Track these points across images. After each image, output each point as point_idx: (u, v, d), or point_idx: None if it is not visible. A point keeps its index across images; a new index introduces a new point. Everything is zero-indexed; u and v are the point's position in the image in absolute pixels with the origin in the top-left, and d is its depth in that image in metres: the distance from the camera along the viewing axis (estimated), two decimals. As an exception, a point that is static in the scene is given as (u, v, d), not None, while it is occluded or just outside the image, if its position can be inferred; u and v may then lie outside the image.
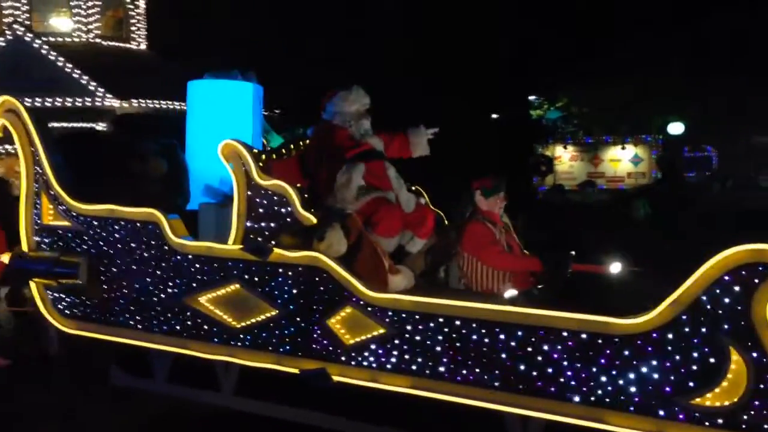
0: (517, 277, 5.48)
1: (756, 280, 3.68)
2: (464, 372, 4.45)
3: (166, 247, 5.42)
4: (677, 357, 3.90)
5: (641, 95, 32.28)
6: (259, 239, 5.20)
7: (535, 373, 4.26)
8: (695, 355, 3.87)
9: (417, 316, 4.58)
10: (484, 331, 4.39)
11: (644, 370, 3.99)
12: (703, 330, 3.84)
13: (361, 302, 4.72)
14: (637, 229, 10.16)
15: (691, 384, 3.87)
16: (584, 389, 4.13)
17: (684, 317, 3.87)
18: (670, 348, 3.92)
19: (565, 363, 4.18)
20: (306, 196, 5.35)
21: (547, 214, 11.45)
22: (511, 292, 4.66)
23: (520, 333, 4.29)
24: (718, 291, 3.79)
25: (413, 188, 6.30)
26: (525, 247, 5.87)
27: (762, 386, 3.70)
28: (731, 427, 3.77)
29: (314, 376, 4.81)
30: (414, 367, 4.59)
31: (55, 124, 13.77)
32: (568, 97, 36.14)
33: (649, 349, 3.96)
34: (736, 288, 3.73)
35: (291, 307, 4.96)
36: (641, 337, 3.98)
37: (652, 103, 32.49)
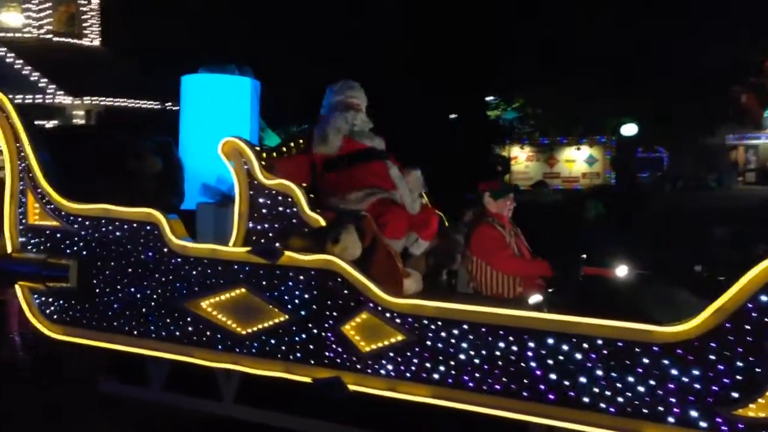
0: (527, 281, 5.28)
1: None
2: (490, 381, 4.23)
3: (166, 249, 5.11)
4: (720, 366, 3.73)
5: (595, 97, 32.55)
6: (268, 241, 4.88)
7: (567, 383, 4.05)
8: (739, 364, 3.71)
9: (440, 323, 4.35)
10: (512, 338, 4.17)
11: (685, 379, 3.80)
12: (748, 339, 3.66)
13: (379, 308, 4.48)
14: (590, 229, 10.15)
15: (734, 394, 3.71)
16: (620, 399, 3.94)
17: (728, 325, 3.70)
18: (712, 357, 3.74)
19: (600, 372, 3.97)
20: (311, 196, 5.08)
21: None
22: (536, 298, 4.47)
23: (551, 340, 4.08)
24: (764, 298, 3.62)
25: None
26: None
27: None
28: (776, 438, 3.61)
29: (328, 384, 4.55)
30: (436, 376, 4.36)
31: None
32: (524, 98, 36.33)
33: (690, 357, 3.79)
34: (784, 295, 3.57)
35: (302, 312, 4.70)
36: (682, 345, 3.81)
37: (606, 104, 32.79)
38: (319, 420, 4.92)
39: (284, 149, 5.76)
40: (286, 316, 4.75)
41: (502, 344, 4.20)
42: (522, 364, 4.16)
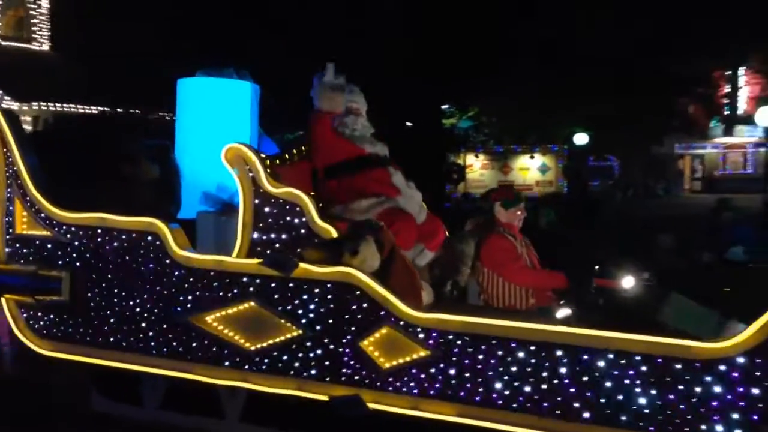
0: (539, 293, 5.11)
1: None
2: (521, 399, 4.02)
3: (168, 261, 4.81)
4: (766, 383, 3.57)
5: (548, 106, 32.87)
6: (275, 252, 4.63)
7: (603, 400, 3.86)
8: (785, 381, 3.54)
9: (466, 338, 4.13)
10: (544, 354, 3.97)
11: (728, 397, 3.64)
12: (795, 355, 3.52)
13: (401, 322, 4.25)
14: (541, 236, 10.09)
15: (780, 412, 3.55)
16: (660, 417, 3.77)
17: (775, 341, 3.55)
18: (758, 374, 3.59)
19: (638, 389, 3.79)
20: (320, 205, 4.85)
21: (457, 222, 11.33)
22: (564, 312, 4.28)
23: (585, 356, 3.89)
24: (812, 314, 3.48)
25: None
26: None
27: None
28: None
29: (346, 403, 4.31)
30: (462, 394, 4.14)
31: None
32: (479, 107, 36.50)
33: (735, 374, 3.63)
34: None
35: (317, 327, 4.44)
36: (725, 362, 3.65)
37: (557, 114, 33.13)
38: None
39: (287, 156, 5.50)
40: (300, 331, 4.49)
41: (533, 360, 3.99)
42: (555, 381, 3.95)
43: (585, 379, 3.92)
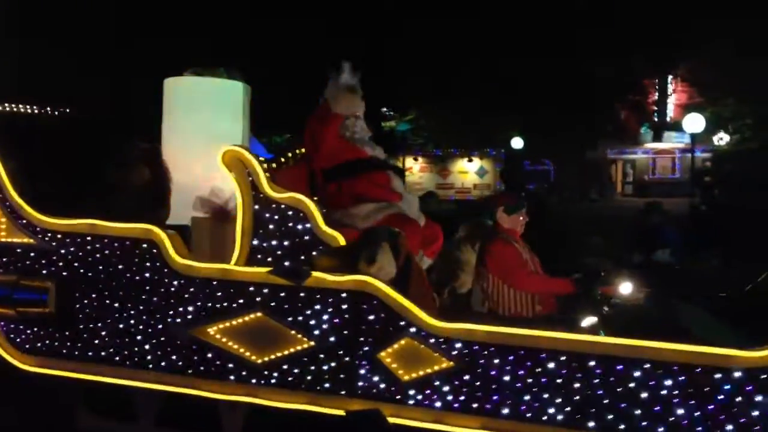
0: (545, 300, 4.92)
1: None
2: (551, 411, 3.81)
3: (166, 270, 4.47)
4: (809, 392, 3.44)
5: (485, 111, 33.03)
6: (273, 258, 4.34)
7: (638, 412, 3.68)
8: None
9: (492, 348, 3.90)
10: (575, 364, 3.78)
11: (771, 406, 3.49)
12: (840, 363, 3.40)
13: (423, 333, 4.01)
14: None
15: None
16: (699, 429, 3.60)
17: (819, 349, 3.42)
18: (801, 382, 3.45)
19: (676, 400, 3.63)
20: (324, 211, 4.57)
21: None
22: (590, 320, 4.09)
23: (619, 367, 3.71)
24: None
25: None
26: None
27: None
28: None
29: (366, 417, 4.03)
30: (488, 406, 3.92)
31: None
32: (418, 111, 36.47)
33: (778, 384, 3.48)
34: None
35: (331, 338, 4.17)
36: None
37: (494, 119, 33.33)
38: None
39: (282, 159, 5.20)
40: (312, 343, 4.21)
41: (564, 371, 3.79)
42: (587, 393, 3.76)
43: (619, 390, 3.72)
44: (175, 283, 4.47)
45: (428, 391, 4.03)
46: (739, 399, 3.58)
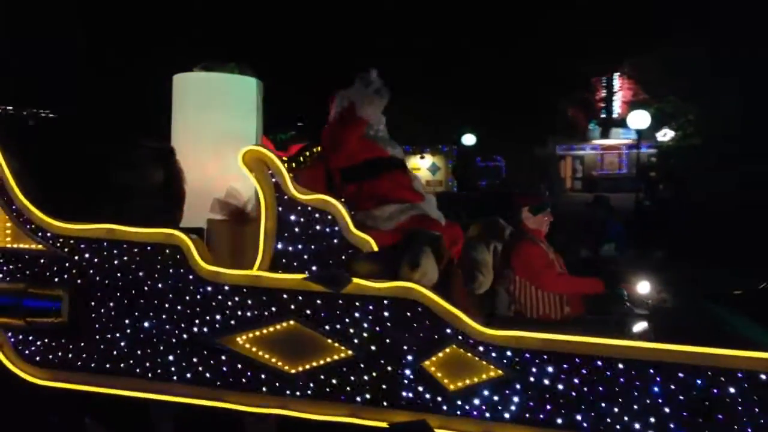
0: (573, 301, 4.73)
1: None
2: (608, 420, 3.62)
3: (192, 276, 4.14)
4: None
5: (437, 107, 32.91)
6: (295, 262, 4.13)
7: (700, 420, 3.50)
8: None
9: (545, 356, 3.68)
10: (634, 372, 3.58)
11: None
12: None
13: (471, 341, 3.77)
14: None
15: None
16: (765, 437, 3.42)
17: None
18: None
19: (740, 408, 3.45)
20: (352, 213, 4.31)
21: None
22: (641, 326, 3.90)
23: (681, 374, 3.52)
24: None
25: None
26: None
27: None
28: None
29: (411, 429, 3.77)
30: (541, 416, 3.70)
31: None
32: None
33: None
34: None
35: (372, 347, 3.91)
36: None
37: (445, 116, 33.23)
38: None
39: (301, 159, 4.90)
40: (351, 352, 3.93)
41: (622, 379, 3.58)
42: (647, 401, 3.56)
43: (681, 398, 3.53)
44: (201, 290, 4.15)
45: (477, 401, 3.80)
46: (807, 406, 3.39)
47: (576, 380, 3.69)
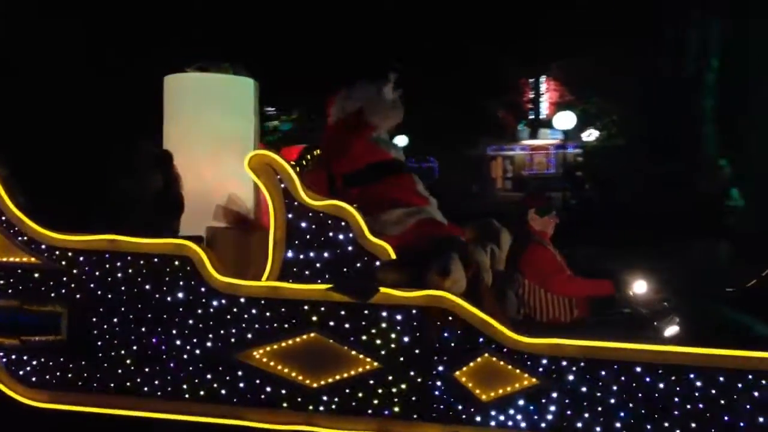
0: (581, 304, 4.60)
1: None
2: (648, 427, 3.48)
3: (204, 289, 3.85)
4: None
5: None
6: (304, 271, 3.90)
7: (742, 424, 3.40)
8: None
9: (582, 364, 3.53)
10: (674, 378, 3.46)
11: None
12: None
13: (504, 349, 3.58)
14: None
15: None
16: (808, 439, 3.34)
17: None
18: None
19: (783, 410, 3.36)
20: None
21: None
22: (672, 329, 3.78)
23: (721, 378, 3.41)
24: None
25: None
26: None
27: None
28: None
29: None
30: (579, 425, 3.55)
31: None
32: (304, 108, 35.59)
33: None
34: None
35: (401, 358, 3.69)
36: None
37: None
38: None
39: (304, 163, 4.64)
40: (378, 364, 3.71)
41: (662, 385, 3.46)
42: (687, 407, 3.44)
43: (722, 403, 3.42)
44: (215, 303, 3.86)
45: (512, 411, 3.61)
46: None
47: (615, 387, 3.54)
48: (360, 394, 3.77)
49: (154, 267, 3.93)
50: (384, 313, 3.73)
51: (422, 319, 3.70)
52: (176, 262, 3.91)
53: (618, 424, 3.55)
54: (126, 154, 4.32)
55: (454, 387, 3.69)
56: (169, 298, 3.92)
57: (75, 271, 4.00)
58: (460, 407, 3.69)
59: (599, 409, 3.57)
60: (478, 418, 3.67)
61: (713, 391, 3.47)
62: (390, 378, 3.74)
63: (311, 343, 3.81)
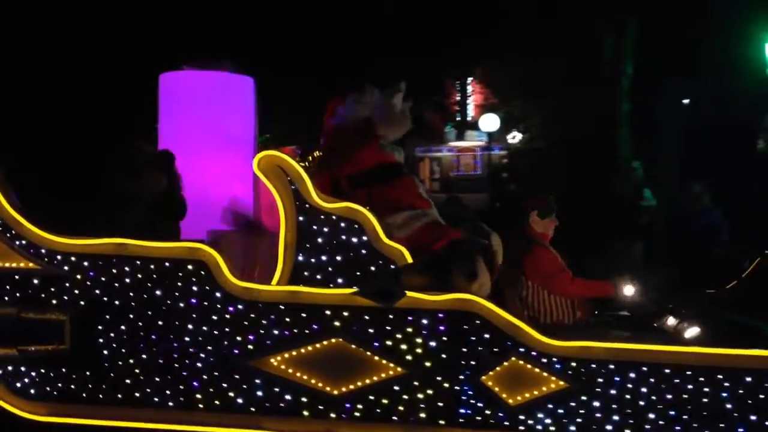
0: (583, 306, 4.56)
1: None
2: (678, 429, 3.42)
3: (219, 294, 3.63)
4: None
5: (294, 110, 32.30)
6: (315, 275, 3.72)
7: (768, 423, 3.37)
8: None
9: (611, 366, 3.45)
10: (702, 379, 3.41)
11: None
12: None
13: (533, 352, 3.47)
14: None
15: None
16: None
17: None
18: None
19: (811, 409, 3.35)
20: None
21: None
22: (693, 330, 3.74)
23: (748, 379, 3.38)
24: None
25: None
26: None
27: None
28: None
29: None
30: (609, 427, 3.47)
31: None
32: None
33: None
34: None
35: (427, 363, 3.55)
36: None
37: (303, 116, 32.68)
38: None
39: (307, 165, 4.44)
40: (403, 369, 3.56)
41: (690, 386, 3.41)
42: (716, 408, 3.40)
43: (749, 403, 3.39)
44: (231, 309, 3.64)
45: (540, 415, 3.51)
46: None
47: (644, 389, 3.47)
48: (384, 401, 3.61)
49: (165, 271, 3.68)
50: (410, 318, 3.57)
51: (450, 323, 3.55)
52: (189, 266, 3.67)
53: (648, 426, 3.47)
54: (127, 155, 4.05)
55: (481, 391, 3.57)
56: (181, 304, 3.68)
57: (79, 276, 3.72)
58: (488, 412, 3.57)
59: (629, 410, 3.49)
60: (507, 423, 3.55)
61: (741, 391, 3.42)
62: (416, 383, 3.59)
63: (333, 349, 3.64)
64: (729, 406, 3.44)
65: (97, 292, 3.72)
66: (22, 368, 3.78)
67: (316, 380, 3.66)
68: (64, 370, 3.76)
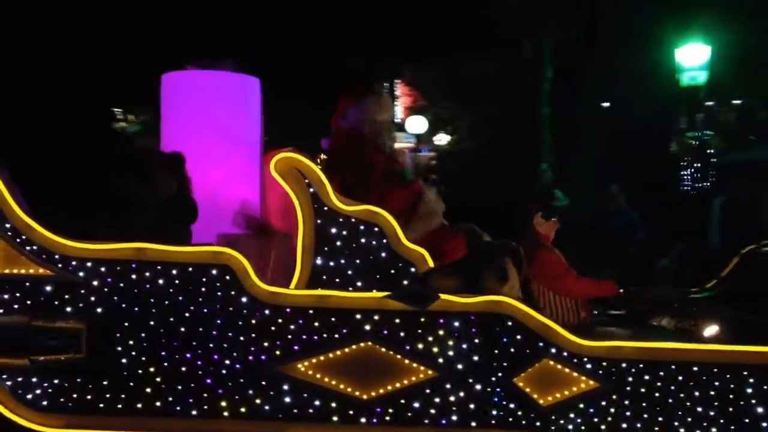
0: (585, 306, 4.55)
1: None
2: (705, 425, 3.44)
3: (245, 299, 3.47)
4: None
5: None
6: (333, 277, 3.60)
7: (794, 418, 3.41)
8: None
9: (641, 365, 3.45)
10: (728, 376, 3.42)
11: None
12: None
13: (565, 353, 3.43)
14: None
15: None
16: None
17: None
18: None
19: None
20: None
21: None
22: (712, 329, 3.75)
23: (773, 374, 3.41)
24: None
25: None
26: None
27: None
28: None
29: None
30: (639, 425, 3.46)
31: None
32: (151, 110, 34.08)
33: None
34: None
35: (459, 366, 3.48)
36: None
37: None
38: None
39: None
40: (434, 372, 3.48)
41: (717, 383, 3.42)
42: (742, 404, 3.43)
43: (775, 398, 3.42)
44: (258, 314, 3.47)
45: (572, 415, 3.47)
46: None
47: (672, 387, 3.46)
48: (416, 404, 3.51)
49: (188, 277, 3.50)
50: (441, 320, 3.48)
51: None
52: (214, 271, 3.50)
53: (676, 423, 3.47)
54: (138, 158, 3.84)
55: (513, 393, 3.50)
56: (205, 310, 3.49)
57: (95, 282, 3.50)
58: (519, 413, 3.51)
59: (659, 408, 3.47)
60: (538, 423, 3.51)
61: (766, 388, 3.44)
62: (447, 386, 3.50)
63: (363, 353, 3.53)
64: (753, 401, 3.45)
65: (116, 298, 3.51)
66: (34, 379, 3.54)
67: (345, 385, 3.54)
68: (79, 379, 3.54)
